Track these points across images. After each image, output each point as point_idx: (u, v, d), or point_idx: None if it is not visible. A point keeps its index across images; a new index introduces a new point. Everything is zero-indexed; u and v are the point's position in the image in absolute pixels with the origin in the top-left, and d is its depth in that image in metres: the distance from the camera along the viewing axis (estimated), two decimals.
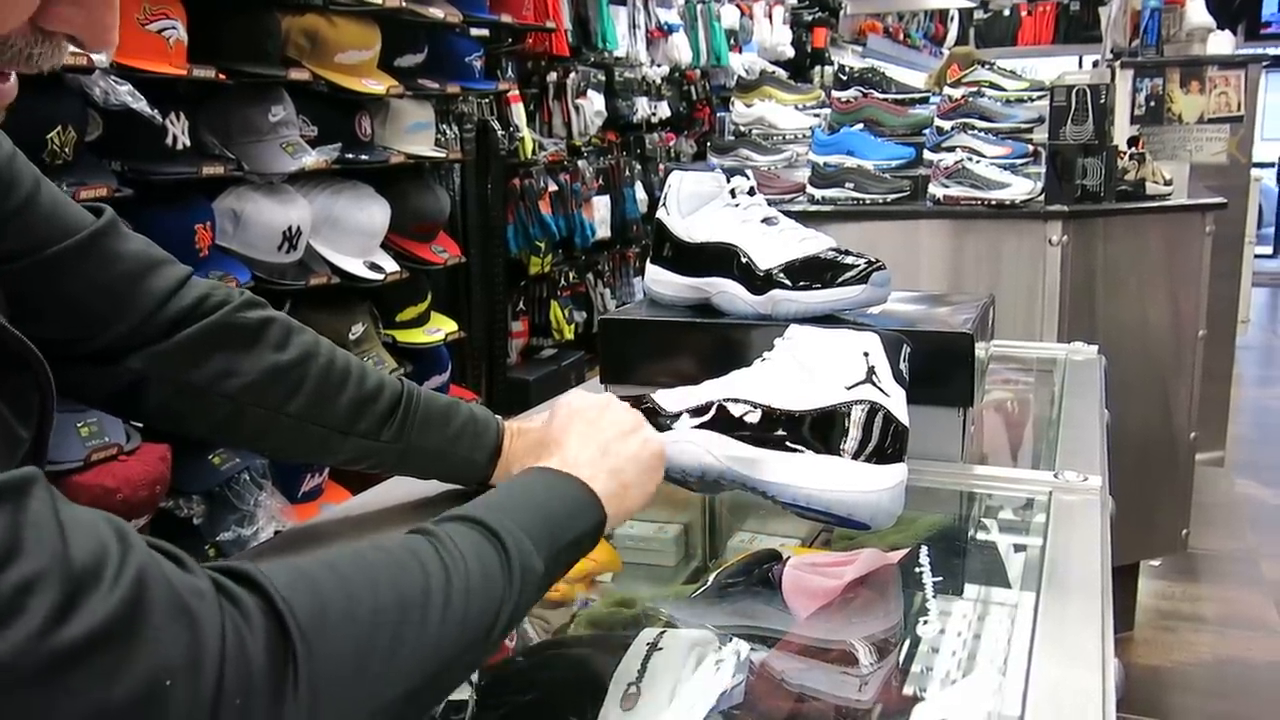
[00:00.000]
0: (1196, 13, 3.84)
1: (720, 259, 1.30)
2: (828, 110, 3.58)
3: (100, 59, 2.15)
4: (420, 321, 3.41)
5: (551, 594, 1.04)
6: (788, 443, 0.94)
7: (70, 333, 0.87)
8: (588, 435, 0.88)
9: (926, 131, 3.28)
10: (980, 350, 1.26)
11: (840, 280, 1.23)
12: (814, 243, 1.27)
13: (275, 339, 0.95)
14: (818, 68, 7.78)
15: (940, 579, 1.00)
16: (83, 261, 0.85)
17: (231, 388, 0.93)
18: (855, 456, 0.92)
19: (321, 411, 0.97)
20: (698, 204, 1.32)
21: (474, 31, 3.88)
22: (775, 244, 1.27)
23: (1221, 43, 3.94)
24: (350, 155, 3.04)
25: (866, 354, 0.95)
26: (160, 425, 0.98)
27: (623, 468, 0.87)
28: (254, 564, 0.58)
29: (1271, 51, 6.61)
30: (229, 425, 0.96)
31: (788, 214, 1.33)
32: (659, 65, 5.78)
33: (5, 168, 0.81)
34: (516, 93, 4.36)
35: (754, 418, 0.97)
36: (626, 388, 1.29)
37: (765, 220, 1.29)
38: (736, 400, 0.98)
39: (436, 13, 3.32)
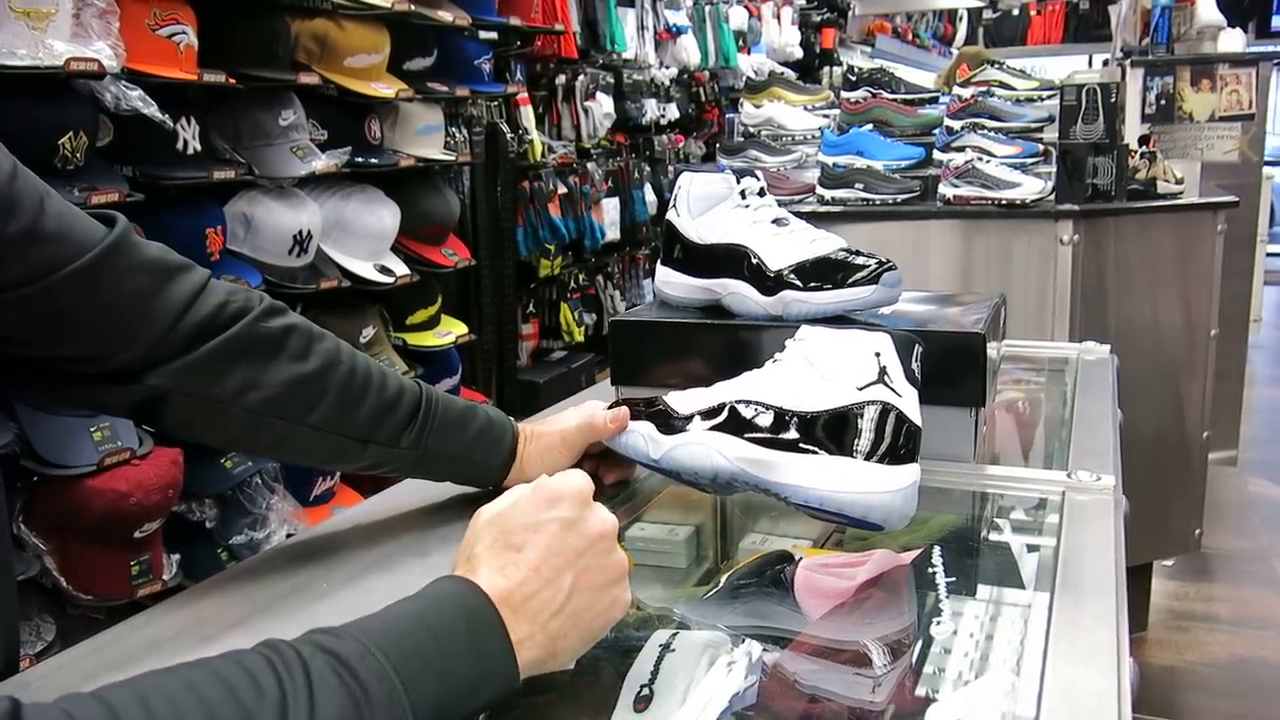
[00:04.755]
0: (1207, 10, 3.83)
1: (730, 260, 1.30)
2: (837, 111, 3.58)
3: (111, 64, 2.16)
4: (431, 324, 3.41)
5: None
6: (800, 444, 0.94)
7: (87, 352, 0.86)
8: (559, 571, 0.71)
9: (936, 131, 3.28)
10: (992, 350, 1.26)
11: (851, 281, 1.22)
12: (825, 243, 1.27)
13: (296, 349, 0.94)
14: (826, 68, 7.78)
15: (953, 579, 1.00)
16: (94, 283, 0.83)
17: (252, 401, 0.92)
18: (868, 457, 0.92)
19: (342, 422, 0.96)
20: (708, 205, 1.32)
21: (482, 34, 3.89)
22: (786, 245, 1.27)
23: (1232, 41, 3.92)
24: (360, 159, 3.05)
25: (878, 354, 0.95)
26: (179, 436, 0.97)
27: (566, 634, 0.70)
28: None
29: None
30: (248, 437, 0.95)
31: (797, 215, 1.33)
32: (667, 67, 5.78)
33: (5, 190, 0.78)
34: (525, 95, 4.37)
35: (766, 419, 0.96)
36: (637, 389, 1.29)
37: (775, 221, 1.29)
38: (748, 402, 0.98)
39: (445, 16, 3.32)
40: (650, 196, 5.50)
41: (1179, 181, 3.08)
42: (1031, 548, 1.12)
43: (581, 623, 0.72)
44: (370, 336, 3.09)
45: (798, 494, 0.94)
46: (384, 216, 3.10)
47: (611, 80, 5.19)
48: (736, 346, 1.28)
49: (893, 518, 0.93)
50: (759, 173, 1.36)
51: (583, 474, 0.76)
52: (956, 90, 3.36)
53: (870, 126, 3.34)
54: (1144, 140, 3.29)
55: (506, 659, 0.67)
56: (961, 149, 3.01)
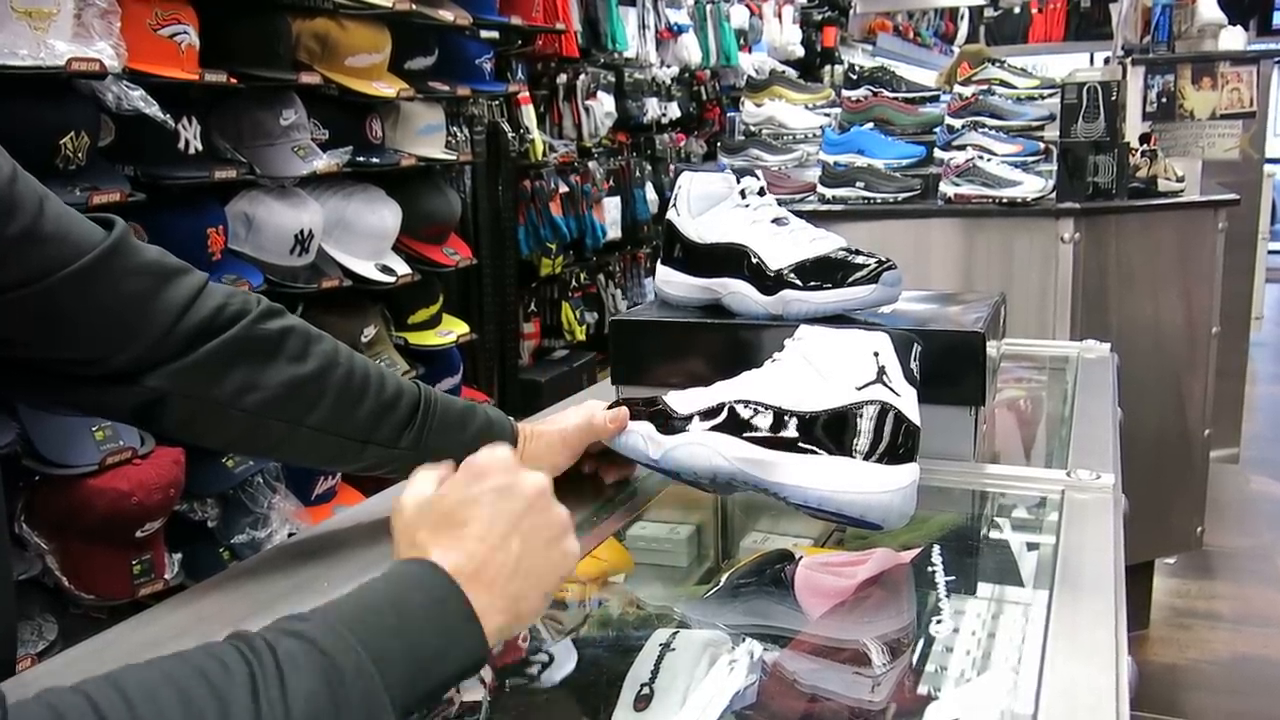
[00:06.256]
0: (1208, 8, 3.83)
1: (730, 259, 1.30)
2: (838, 109, 3.58)
3: (113, 64, 2.16)
4: (432, 323, 3.41)
5: (564, 594, 1.04)
6: (799, 444, 0.94)
7: (85, 354, 0.87)
8: (505, 537, 0.72)
9: (937, 130, 3.28)
10: (991, 349, 1.26)
11: (851, 280, 1.23)
12: (824, 242, 1.27)
13: (294, 350, 0.94)
14: (828, 67, 7.76)
15: (953, 578, 1.00)
16: (92, 285, 0.84)
17: (251, 403, 0.92)
18: (867, 457, 0.92)
19: (341, 423, 0.96)
20: (708, 205, 1.32)
21: (484, 34, 3.89)
22: (786, 244, 1.27)
23: (1233, 38, 3.92)
24: (361, 158, 3.05)
25: (877, 354, 0.95)
26: (178, 438, 0.97)
27: (525, 594, 0.71)
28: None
29: None
30: (248, 438, 0.95)
31: (798, 213, 1.33)
32: (669, 66, 5.77)
33: (5, 193, 0.79)
34: (526, 94, 4.37)
35: (765, 419, 0.97)
36: (637, 389, 1.29)
37: (775, 220, 1.29)
38: (747, 402, 0.98)
39: (446, 15, 3.32)
40: (651, 195, 5.50)
41: (1180, 180, 3.07)
42: (1031, 546, 1.12)
43: (537, 580, 0.73)
44: (372, 336, 3.09)
45: (797, 494, 0.94)
46: (385, 216, 3.11)
47: (613, 79, 5.19)
48: (737, 346, 1.28)
49: (892, 517, 0.93)
50: (759, 172, 1.36)
51: (504, 445, 0.78)
52: (957, 88, 3.37)
53: (871, 125, 3.34)
54: (1145, 138, 3.29)
55: (472, 627, 0.67)
56: (962, 147, 3.01)
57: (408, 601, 0.66)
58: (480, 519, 0.72)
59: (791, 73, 5.40)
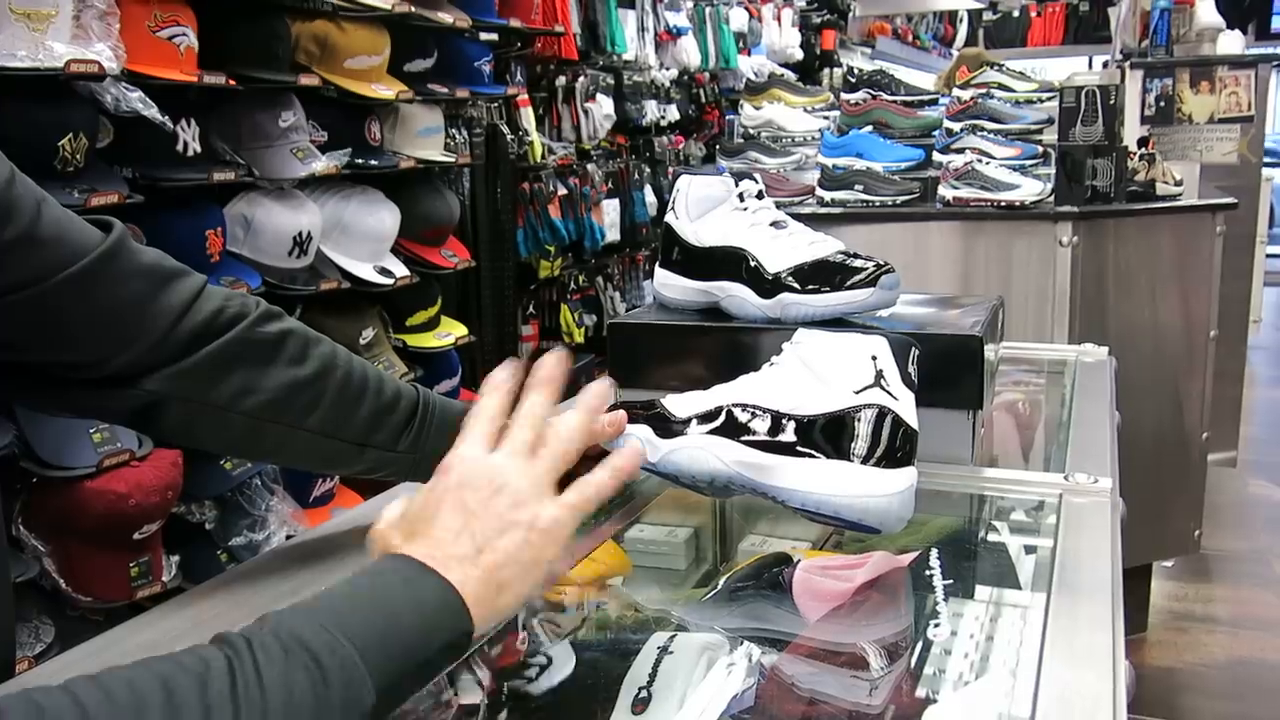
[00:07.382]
0: (1206, 13, 3.84)
1: (729, 263, 1.30)
2: (837, 112, 3.59)
3: (111, 66, 2.16)
4: (430, 326, 3.41)
5: (561, 597, 1.04)
6: (797, 447, 0.94)
7: (84, 357, 0.86)
8: (466, 521, 0.72)
9: (936, 133, 3.28)
10: (989, 353, 1.26)
11: (849, 284, 1.23)
12: (823, 246, 1.27)
13: (293, 353, 0.94)
14: (826, 70, 7.76)
15: (951, 581, 1.00)
16: (90, 287, 0.83)
17: (250, 406, 0.92)
18: (865, 461, 0.92)
19: (340, 425, 0.96)
20: (706, 208, 1.32)
21: (483, 36, 3.89)
22: (784, 247, 1.27)
23: (1231, 42, 3.93)
24: (360, 160, 3.05)
25: (874, 358, 0.95)
26: (177, 443, 0.97)
27: (502, 564, 0.71)
28: None
29: None
30: (246, 442, 0.95)
31: (797, 216, 1.33)
32: (668, 68, 5.78)
33: (2, 196, 0.79)
34: (525, 97, 4.36)
35: (763, 423, 0.97)
36: (635, 392, 1.29)
37: (774, 224, 1.29)
38: (744, 405, 0.98)
39: (445, 17, 3.33)
40: (650, 198, 5.50)
41: (1178, 183, 3.08)
42: (1029, 549, 1.12)
43: (512, 551, 0.72)
44: (370, 338, 3.09)
45: (794, 498, 0.94)
46: (384, 218, 3.11)
47: (612, 82, 5.18)
48: (734, 349, 1.28)
49: (889, 521, 0.93)
50: (757, 175, 1.36)
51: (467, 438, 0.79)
52: (956, 92, 3.37)
53: (870, 128, 3.35)
54: (1143, 142, 3.29)
55: (450, 597, 0.68)
56: (961, 151, 3.01)
57: (380, 584, 0.67)
58: (443, 508, 0.73)
59: (790, 76, 5.40)
